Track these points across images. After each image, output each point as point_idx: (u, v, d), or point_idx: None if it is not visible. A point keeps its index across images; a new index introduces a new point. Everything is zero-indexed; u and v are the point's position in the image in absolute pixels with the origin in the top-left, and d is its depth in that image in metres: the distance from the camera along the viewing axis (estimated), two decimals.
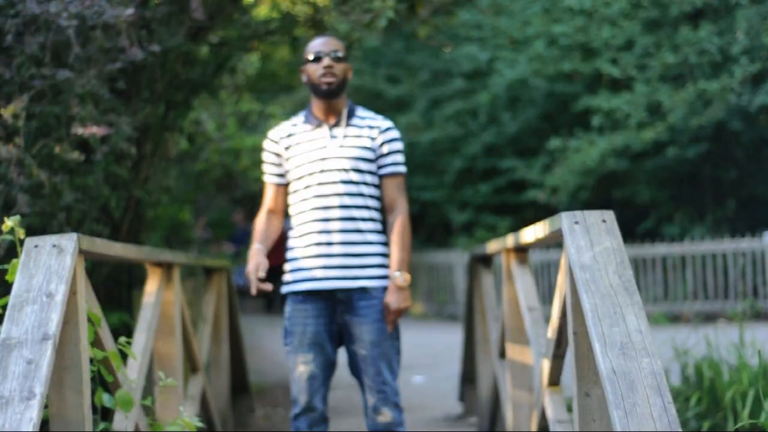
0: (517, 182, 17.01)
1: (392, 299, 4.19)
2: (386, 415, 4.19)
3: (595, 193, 15.66)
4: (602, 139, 14.81)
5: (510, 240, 4.93)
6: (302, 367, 4.18)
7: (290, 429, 4.27)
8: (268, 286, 4.03)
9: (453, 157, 17.77)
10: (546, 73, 16.06)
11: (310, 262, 4.19)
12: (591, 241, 3.22)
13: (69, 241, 3.20)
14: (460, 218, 17.67)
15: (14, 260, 3.28)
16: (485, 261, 6.61)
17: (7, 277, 3.30)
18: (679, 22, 14.93)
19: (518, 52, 16.62)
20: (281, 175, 4.32)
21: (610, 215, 3.34)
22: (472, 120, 17.76)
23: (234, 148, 10.27)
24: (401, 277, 4.19)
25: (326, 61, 4.24)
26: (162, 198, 7.44)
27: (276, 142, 4.32)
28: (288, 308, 4.25)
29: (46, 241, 3.19)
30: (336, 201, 4.19)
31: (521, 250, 5.07)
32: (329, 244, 4.17)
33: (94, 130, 4.64)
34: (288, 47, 7.31)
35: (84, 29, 4.71)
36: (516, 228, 14.43)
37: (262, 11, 8.07)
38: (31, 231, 4.39)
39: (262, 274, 4.05)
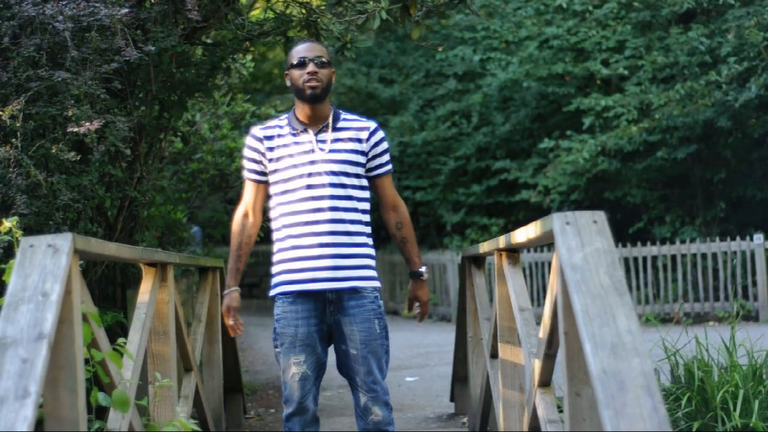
0: (509, 183, 17.04)
1: (422, 292, 4.44)
2: (377, 414, 4.21)
3: (586, 194, 15.71)
4: (592, 139, 14.85)
5: (502, 241, 4.95)
6: (294, 369, 4.19)
7: (282, 429, 4.28)
8: (239, 331, 4.37)
9: (445, 158, 17.80)
10: (538, 75, 16.10)
11: (299, 264, 4.20)
12: (582, 241, 3.24)
13: (64, 240, 3.21)
14: (453, 219, 17.70)
15: (11, 261, 3.29)
16: (477, 261, 6.63)
17: (4, 278, 3.32)
18: (669, 24, 14.98)
19: (511, 53, 16.66)
20: (262, 173, 4.32)
21: (601, 216, 3.36)
22: (465, 121, 17.79)
23: (228, 149, 10.28)
24: (425, 272, 4.44)
25: (311, 66, 4.23)
26: (156, 198, 7.45)
27: (260, 140, 4.30)
28: (278, 310, 4.26)
29: (42, 240, 3.21)
30: (326, 204, 4.20)
31: (513, 251, 5.09)
32: (319, 245, 4.19)
33: (89, 125, 4.65)
34: (282, 48, 7.32)
35: (79, 30, 4.73)
36: (508, 228, 14.48)
37: (256, 12, 8.08)
38: (28, 231, 4.41)
39: (231, 321, 4.32)
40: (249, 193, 4.39)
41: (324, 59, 4.26)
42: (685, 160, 14.84)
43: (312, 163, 4.22)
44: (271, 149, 4.27)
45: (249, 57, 8.57)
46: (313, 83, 4.22)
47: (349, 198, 4.24)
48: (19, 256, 3.17)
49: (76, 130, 4.69)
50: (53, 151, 4.71)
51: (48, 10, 4.52)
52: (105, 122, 4.89)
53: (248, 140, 4.34)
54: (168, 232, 8.68)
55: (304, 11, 6.65)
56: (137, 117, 5.84)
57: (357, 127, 4.31)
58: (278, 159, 4.26)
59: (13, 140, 4.54)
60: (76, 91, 4.72)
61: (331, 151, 4.23)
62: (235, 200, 12.82)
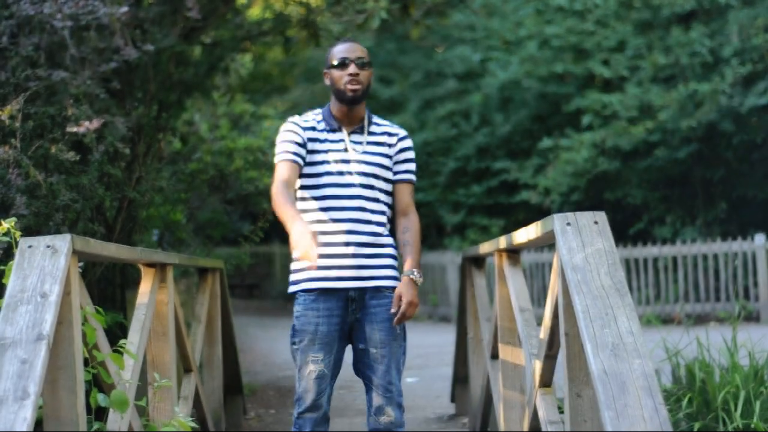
0: (510, 183, 17.02)
1: (405, 291, 4.13)
2: (390, 416, 4.22)
3: (587, 195, 15.68)
4: (591, 134, 14.82)
5: (502, 241, 4.94)
6: (312, 366, 4.18)
7: (289, 429, 4.26)
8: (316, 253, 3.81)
9: (445, 158, 17.78)
10: (538, 74, 16.08)
11: (324, 262, 4.18)
12: (583, 242, 3.24)
13: (63, 241, 3.20)
14: (453, 219, 17.68)
15: (10, 263, 3.28)
16: (477, 262, 6.62)
17: (3, 280, 3.31)
18: (670, 24, 14.97)
19: (510, 53, 16.64)
20: (302, 157, 4.25)
21: (602, 217, 3.36)
22: (465, 121, 17.77)
23: (227, 149, 10.27)
24: (417, 274, 4.18)
25: (352, 68, 4.21)
26: (155, 198, 7.44)
27: (303, 129, 4.28)
28: (299, 307, 4.24)
29: (40, 241, 3.20)
30: (354, 203, 4.21)
31: (513, 252, 5.09)
32: (345, 244, 4.19)
33: (89, 125, 4.65)
34: (281, 48, 7.32)
35: (78, 30, 4.72)
36: (508, 229, 14.45)
37: (255, 12, 8.07)
38: (28, 231, 4.40)
39: (315, 244, 3.77)
40: (287, 171, 4.15)
41: (365, 60, 4.24)
42: (685, 160, 14.83)
43: (344, 162, 4.23)
44: (310, 140, 4.25)
45: (248, 57, 8.56)
46: (355, 85, 4.21)
47: (377, 200, 4.26)
48: (18, 257, 3.17)
49: (75, 130, 4.68)
50: (52, 151, 4.70)
51: (46, 8, 4.51)
52: (104, 122, 4.88)
53: (290, 125, 4.26)
54: (167, 232, 8.67)
55: (303, 10, 6.64)
56: (136, 117, 5.84)
57: (388, 132, 4.35)
58: (313, 153, 4.25)
59: (12, 140, 4.54)
60: (74, 91, 4.72)
61: (364, 152, 4.26)
62: (234, 201, 12.84)
